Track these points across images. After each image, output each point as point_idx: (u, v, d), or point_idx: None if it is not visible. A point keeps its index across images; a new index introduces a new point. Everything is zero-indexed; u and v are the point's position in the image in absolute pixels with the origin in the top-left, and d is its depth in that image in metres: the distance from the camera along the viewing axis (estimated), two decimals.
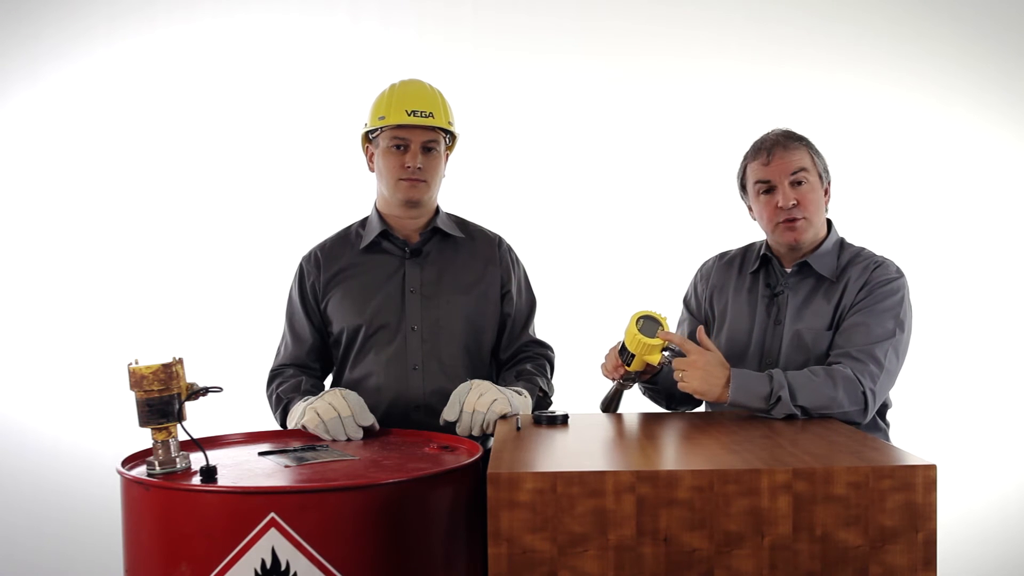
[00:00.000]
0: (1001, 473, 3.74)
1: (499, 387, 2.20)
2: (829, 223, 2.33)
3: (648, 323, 2.10)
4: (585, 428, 1.95)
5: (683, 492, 1.49)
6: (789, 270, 2.28)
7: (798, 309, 2.24)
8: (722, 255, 2.47)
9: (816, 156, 2.26)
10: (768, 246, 2.33)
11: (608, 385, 2.27)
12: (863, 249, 2.30)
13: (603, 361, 2.24)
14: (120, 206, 3.76)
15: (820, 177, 2.25)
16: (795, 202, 2.19)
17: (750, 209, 2.34)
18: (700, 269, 2.50)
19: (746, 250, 2.43)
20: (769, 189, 2.23)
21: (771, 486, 1.49)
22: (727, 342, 2.31)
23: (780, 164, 2.21)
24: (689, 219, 3.67)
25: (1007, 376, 3.76)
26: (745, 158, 2.31)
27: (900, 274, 2.22)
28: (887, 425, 2.28)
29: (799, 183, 2.21)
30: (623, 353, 2.15)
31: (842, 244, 2.31)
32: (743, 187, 2.33)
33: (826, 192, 2.28)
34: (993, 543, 3.67)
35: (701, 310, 2.44)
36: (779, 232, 2.24)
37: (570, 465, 1.57)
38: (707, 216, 3.57)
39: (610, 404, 2.27)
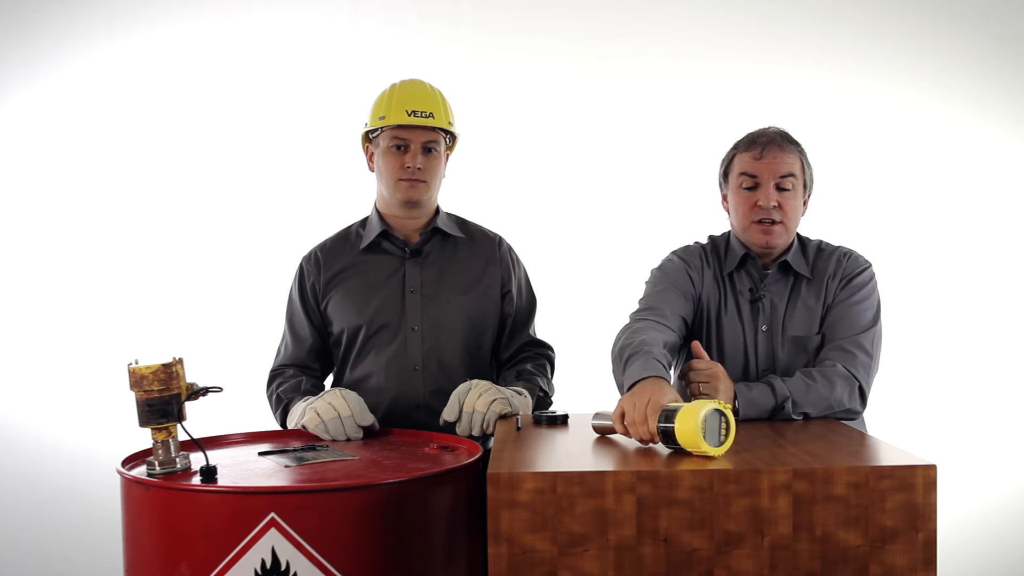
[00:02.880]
0: (1001, 473, 3.74)
1: (499, 387, 2.20)
2: None
3: (712, 421, 1.63)
4: (585, 428, 1.95)
5: (683, 492, 1.49)
6: (768, 272, 2.23)
7: (789, 315, 2.20)
8: (703, 254, 2.31)
9: (806, 165, 2.22)
10: (742, 243, 2.25)
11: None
12: (821, 241, 2.29)
13: (624, 416, 1.75)
14: (120, 206, 3.76)
15: (805, 186, 2.22)
16: (776, 204, 2.16)
17: (724, 199, 2.29)
18: (688, 255, 2.30)
19: (715, 247, 2.31)
20: (753, 186, 2.17)
21: (771, 486, 1.49)
22: (726, 353, 2.24)
23: (771, 163, 2.16)
24: (689, 219, 3.65)
25: (1007, 376, 3.76)
26: (736, 147, 2.25)
27: (869, 264, 2.23)
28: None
29: (784, 188, 2.16)
30: (667, 438, 1.67)
31: (801, 240, 2.28)
32: (725, 175, 2.27)
33: (805, 203, 2.25)
34: (993, 543, 3.67)
35: (694, 297, 2.25)
36: (752, 231, 2.19)
37: (570, 465, 1.57)
38: (707, 216, 3.56)
39: (603, 435, 1.91)
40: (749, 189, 2.18)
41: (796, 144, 2.23)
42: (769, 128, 2.25)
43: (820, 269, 2.22)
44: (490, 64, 3.75)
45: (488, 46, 3.76)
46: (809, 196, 2.26)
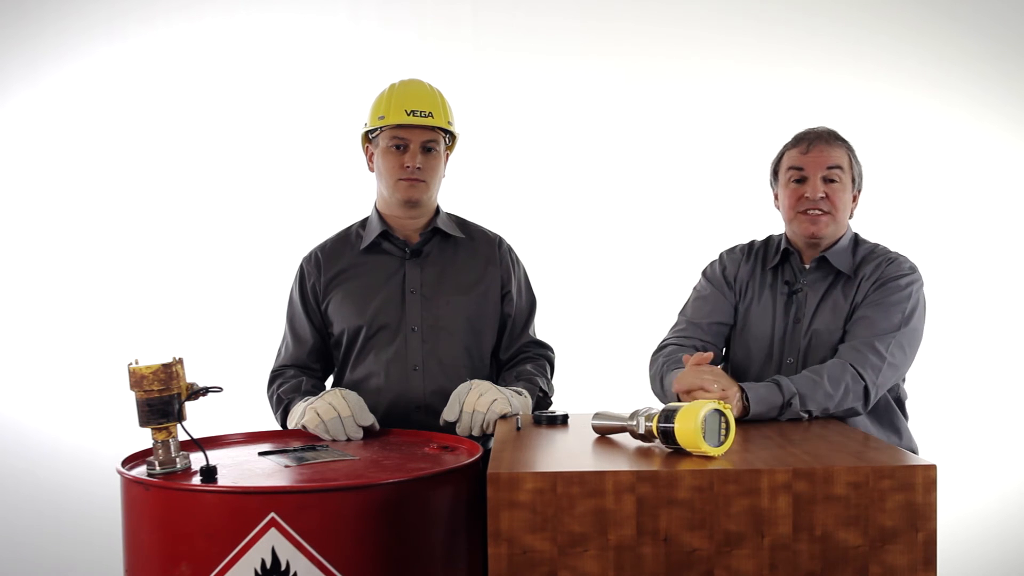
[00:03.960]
0: (1001, 473, 3.74)
1: (499, 387, 2.20)
2: None
3: (711, 421, 1.63)
4: (585, 428, 1.95)
5: (683, 492, 1.50)
6: (808, 266, 2.27)
7: (817, 307, 2.24)
8: (747, 250, 2.40)
9: (854, 160, 2.27)
10: (788, 240, 2.32)
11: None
12: (877, 245, 2.31)
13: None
14: (120, 206, 3.76)
15: (853, 181, 2.26)
16: (823, 195, 2.20)
17: (776, 197, 2.34)
18: (730, 254, 2.42)
19: (766, 243, 2.40)
20: (801, 179, 2.23)
21: (771, 486, 1.50)
22: (752, 343, 2.30)
23: (818, 157, 2.22)
24: (689, 219, 3.66)
25: (1007, 376, 3.75)
26: (785, 146, 2.32)
27: (913, 270, 2.23)
28: (906, 417, 2.30)
29: (831, 180, 2.21)
30: (666, 438, 1.68)
31: (856, 240, 2.32)
32: (775, 173, 2.33)
33: (855, 199, 2.29)
34: (993, 543, 3.67)
35: (733, 292, 2.36)
36: (798, 221, 2.23)
37: (570, 465, 1.57)
38: (707, 216, 3.57)
39: (603, 435, 1.89)
40: (797, 182, 2.25)
41: (844, 141, 2.28)
42: (818, 126, 2.30)
43: (861, 270, 2.24)
44: (490, 64, 3.75)
45: (488, 46, 3.76)
46: (859, 192, 2.30)
